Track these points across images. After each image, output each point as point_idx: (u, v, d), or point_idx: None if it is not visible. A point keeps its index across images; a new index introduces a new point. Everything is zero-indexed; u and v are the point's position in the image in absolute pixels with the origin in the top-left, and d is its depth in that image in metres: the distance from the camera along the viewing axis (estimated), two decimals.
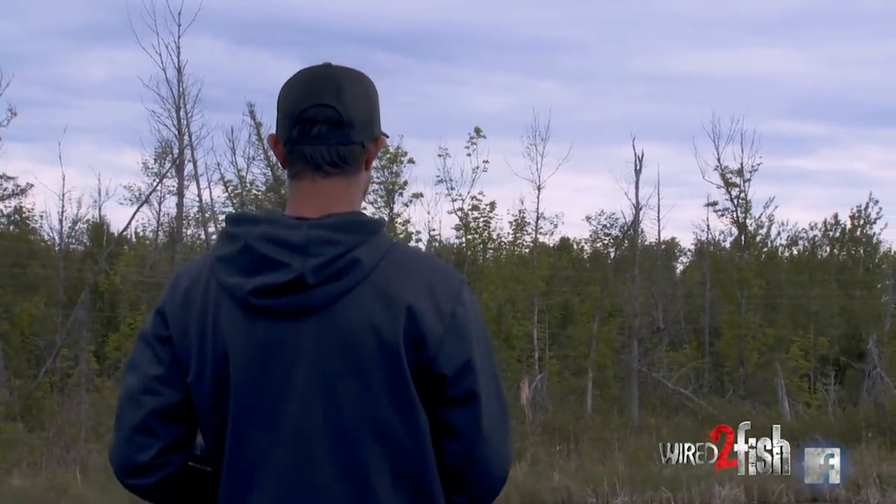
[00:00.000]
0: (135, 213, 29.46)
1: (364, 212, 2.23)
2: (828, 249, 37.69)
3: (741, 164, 29.56)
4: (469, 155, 26.27)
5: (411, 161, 26.48)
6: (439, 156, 26.92)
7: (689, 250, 39.20)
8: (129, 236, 35.16)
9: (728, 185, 29.84)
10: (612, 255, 33.51)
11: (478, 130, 26.23)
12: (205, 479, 2.25)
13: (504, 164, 53.13)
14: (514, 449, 21.13)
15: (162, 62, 25.92)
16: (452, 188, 26.59)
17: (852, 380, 30.53)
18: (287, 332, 2.10)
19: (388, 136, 2.30)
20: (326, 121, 2.16)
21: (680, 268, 40.31)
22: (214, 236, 28.17)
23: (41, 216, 33.57)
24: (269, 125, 26.93)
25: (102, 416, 20.87)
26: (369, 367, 2.09)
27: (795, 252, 37.43)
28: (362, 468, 2.10)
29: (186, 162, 26.71)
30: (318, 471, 2.10)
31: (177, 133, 26.29)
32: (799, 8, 53.37)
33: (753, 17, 52.03)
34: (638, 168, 28.07)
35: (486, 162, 26.40)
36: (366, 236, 2.12)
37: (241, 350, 2.11)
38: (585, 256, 39.80)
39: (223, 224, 2.22)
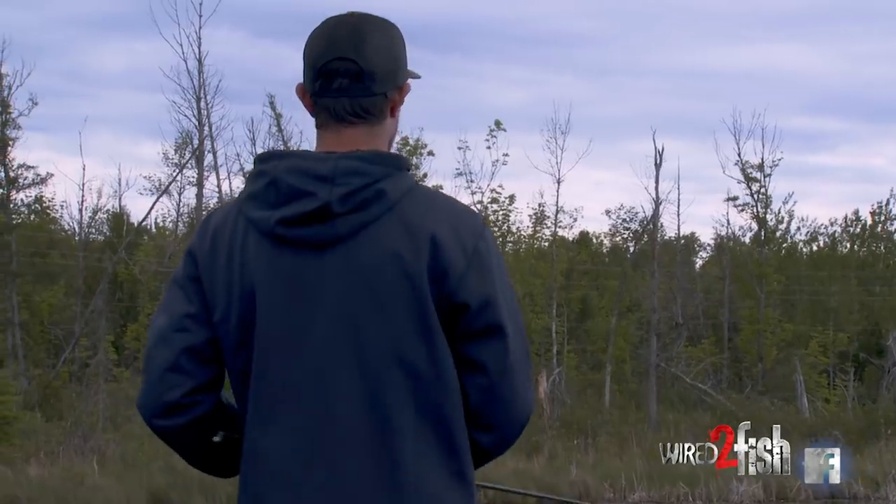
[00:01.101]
0: (154, 203, 29.55)
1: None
2: (848, 245, 37.52)
3: (762, 159, 29.49)
4: (489, 148, 26.29)
5: (431, 153, 26.49)
6: (459, 148, 26.90)
7: (709, 245, 39.06)
8: (149, 227, 35.26)
9: (748, 179, 29.75)
10: (632, 249, 33.42)
11: (498, 123, 26.22)
12: (232, 446, 2.26)
13: (523, 158, 52.84)
14: (532, 442, 21.14)
15: (183, 53, 25.98)
16: (472, 181, 26.62)
17: (871, 376, 30.39)
18: (312, 264, 2.12)
19: (419, 76, 2.29)
20: (346, 74, 2.17)
21: (699, 263, 40.18)
22: None
23: (62, 206, 33.74)
24: (290, 116, 27.02)
25: (120, 407, 20.94)
26: (392, 296, 2.10)
27: (815, 248, 37.29)
28: (383, 400, 2.10)
29: (206, 153, 26.76)
30: (339, 403, 2.11)
31: (197, 124, 26.35)
32: (817, 4, 53.12)
33: (771, 12, 51.80)
34: (658, 162, 27.99)
35: (506, 155, 26.40)
36: (392, 170, 2.13)
37: (267, 283, 2.13)
38: (605, 251, 39.71)
39: (253, 165, 2.22)
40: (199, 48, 25.69)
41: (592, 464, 20.74)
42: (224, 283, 2.16)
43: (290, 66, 49.20)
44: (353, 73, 2.17)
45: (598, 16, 52.62)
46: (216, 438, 2.25)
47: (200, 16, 25.50)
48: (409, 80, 2.26)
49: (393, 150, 2.26)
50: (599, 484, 19.74)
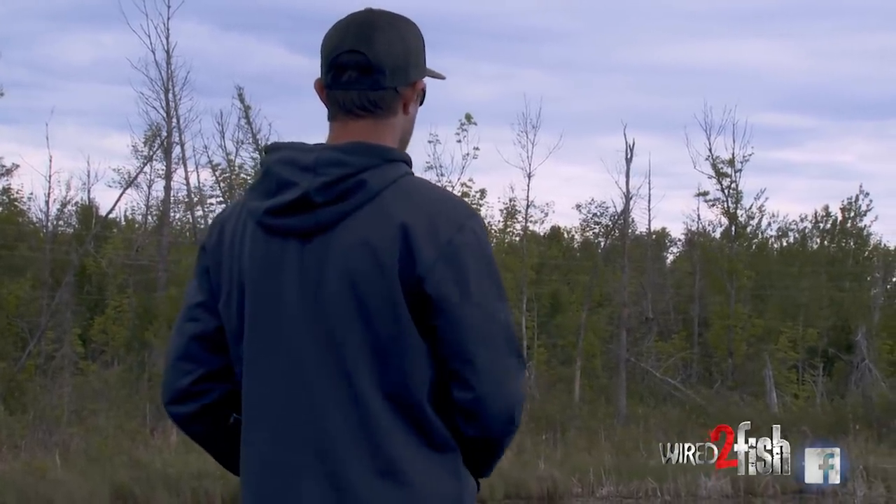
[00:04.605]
0: (121, 195, 29.24)
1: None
2: (818, 241, 37.64)
3: (732, 154, 29.53)
4: (459, 142, 26.17)
5: None
6: (429, 142, 26.73)
7: (680, 240, 39.14)
8: (118, 219, 34.99)
9: (719, 175, 29.78)
10: (602, 244, 33.42)
11: (469, 117, 26.10)
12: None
13: (493, 153, 53.05)
14: None
15: (151, 44, 25.76)
16: (442, 175, 26.47)
17: (840, 372, 30.49)
18: (296, 252, 2.16)
19: (442, 77, 2.33)
20: (356, 67, 2.21)
21: (670, 258, 40.23)
22: (201, 219, 28.04)
23: (29, 198, 33.28)
24: (259, 108, 26.87)
25: (86, 400, 20.74)
26: (363, 285, 2.12)
27: (785, 243, 37.39)
28: (355, 387, 2.13)
29: (175, 145, 26.58)
30: (315, 392, 2.14)
31: (165, 116, 26.16)
32: (786, 1, 53.33)
33: (740, 8, 52.00)
34: (629, 157, 27.98)
35: (477, 149, 26.30)
36: (377, 161, 2.16)
37: (256, 271, 2.19)
38: (576, 245, 39.71)
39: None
40: (167, 39, 25.54)
41: (561, 459, 20.69)
42: (227, 272, 2.24)
43: (258, 58, 49.06)
44: (362, 66, 2.21)
45: (566, 11, 52.65)
46: (232, 420, 2.31)
47: (169, 6, 25.36)
48: (427, 80, 2.29)
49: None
50: (568, 479, 19.69)
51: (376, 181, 2.14)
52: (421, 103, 2.30)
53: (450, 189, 26.69)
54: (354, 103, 2.22)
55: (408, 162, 2.23)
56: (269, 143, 2.23)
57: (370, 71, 2.21)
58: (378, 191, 2.14)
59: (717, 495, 19.69)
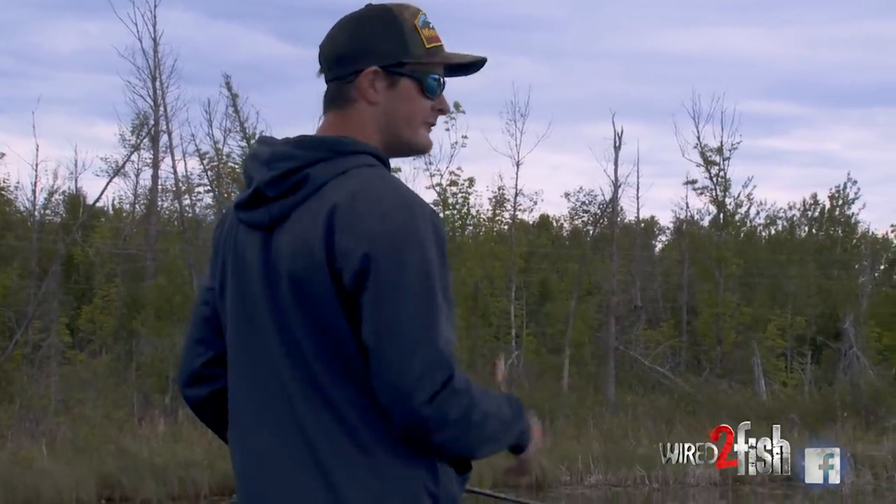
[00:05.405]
0: (107, 184, 29.05)
1: (355, 137, 2.22)
2: (806, 229, 37.67)
3: (721, 142, 29.52)
4: (447, 130, 26.12)
5: None
6: None
7: (668, 229, 39.13)
8: (105, 208, 34.88)
9: (707, 163, 29.78)
10: (591, 232, 33.40)
11: (457, 105, 25.99)
12: None
13: (482, 141, 52.93)
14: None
15: (138, 32, 25.64)
16: (431, 163, 26.44)
17: (828, 360, 30.55)
18: (260, 244, 2.19)
19: (440, 65, 2.30)
20: (323, 62, 2.28)
21: (658, 246, 40.20)
22: (189, 208, 27.97)
23: (16, 187, 33.13)
24: (246, 97, 26.78)
25: (73, 390, 20.68)
26: (302, 278, 2.13)
27: (773, 231, 37.40)
28: (319, 380, 2.13)
29: (162, 133, 26.47)
30: (286, 386, 2.15)
31: (152, 104, 26.06)
32: None
33: None
34: (617, 145, 27.98)
35: (465, 137, 26.26)
36: (327, 154, 2.17)
37: (230, 262, 2.25)
38: (565, 234, 39.68)
39: None
40: (154, 27, 25.43)
41: (549, 447, 20.68)
42: (220, 261, 2.29)
43: (245, 47, 48.89)
44: (322, 61, 2.28)
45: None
46: None
47: None
48: (377, 67, 2.22)
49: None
50: (556, 467, 19.70)
51: (320, 174, 2.15)
52: (425, 91, 2.25)
53: (438, 178, 26.66)
54: (325, 98, 2.28)
55: (375, 154, 2.20)
56: (258, 134, 2.18)
57: (327, 66, 2.26)
58: (321, 183, 2.14)
59: (706, 483, 19.73)
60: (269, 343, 2.17)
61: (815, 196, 37.13)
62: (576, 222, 38.37)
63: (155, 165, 27.40)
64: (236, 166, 26.91)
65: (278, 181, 2.16)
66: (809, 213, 37.31)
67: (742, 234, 34.21)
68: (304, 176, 2.15)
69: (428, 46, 2.28)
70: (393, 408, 2.08)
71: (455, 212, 27.29)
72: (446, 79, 2.32)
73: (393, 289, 2.08)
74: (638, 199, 32.79)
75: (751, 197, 32.40)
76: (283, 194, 2.15)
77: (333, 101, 2.25)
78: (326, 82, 2.28)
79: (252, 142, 2.49)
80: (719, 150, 29.58)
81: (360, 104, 2.23)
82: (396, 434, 2.11)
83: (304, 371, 2.14)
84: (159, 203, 29.83)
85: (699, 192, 30.64)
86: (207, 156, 27.01)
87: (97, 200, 30.09)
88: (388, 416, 2.10)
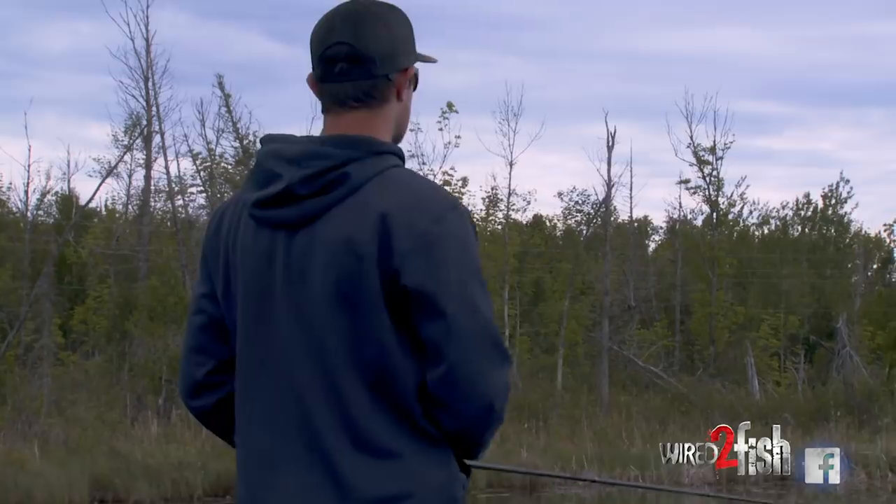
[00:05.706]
0: (100, 185, 29.26)
1: (384, 139, 2.24)
2: (799, 229, 37.70)
3: (714, 142, 29.54)
4: (441, 130, 26.11)
5: None
6: (410, 130, 26.53)
7: (661, 228, 39.15)
8: (98, 209, 34.81)
9: (701, 162, 29.79)
10: (584, 232, 33.39)
11: (450, 105, 26.02)
12: None
13: (475, 141, 52.97)
14: None
15: (130, 32, 25.55)
16: (424, 163, 26.41)
17: (822, 359, 30.57)
18: (282, 243, 2.17)
19: (433, 60, 2.34)
20: (346, 58, 2.22)
21: (652, 246, 40.23)
22: (182, 209, 27.90)
23: (8, 188, 33.09)
24: (239, 97, 26.73)
25: (65, 391, 20.62)
26: (343, 277, 2.12)
27: (767, 231, 37.43)
28: (338, 379, 2.13)
29: (154, 134, 26.41)
30: (301, 384, 2.15)
31: (145, 104, 25.99)
32: None
33: None
34: (610, 144, 27.95)
35: (458, 137, 26.24)
36: (362, 154, 2.16)
37: (246, 261, 2.21)
38: (558, 234, 39.67)
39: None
40: (146, 28, 25.34)
41: (543, 447, 20.68)
42: (223, 262, 2.25)
43: (237, 47, 48.81)
44: (351, 57, 2.21)
45: None
46: None
47: None
48: (419, 65, 2.30)
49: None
50: (550, 467, 19.66)
51: (359, 174, 2.14)
52: (414, 89, 2.31)
53: (432, 178, 26.63)
54: (349, 94, 2.23)
55: (398, 154, 2.22)
56: (264, 134, 2.22)
57: (360, 61, 2.21)
58: (361, 183, 2.14)
59: (700, 482, 19.70)
60: (285, 342, 2.17)
61: (807, 195, 37.21)
62: (569, 222, 38.38)
63: (147, 166, 27.34)
64: (229, 167, 26.85)
65: (312, 179, 2.15)
66: (802, 213, 37.37)
67: (735, 234, 34.24)
68: (343, 175, 2.14)
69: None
70: (465, 408, 2.14)
71: None
72: None
73: (460, 287, 2.14)
74: (631, 198, 32.82)
75: (744, 196, 32.46)
76: (317, 193, 2.15)
77: (369, 97, 2.23)
78: (350, 79, 2.23)
79: (262, 139, 2.36)
80: (712, 150, 29.60)
81: (392, 102, 2.26)
82: (439, 433, 2.17)
83: (321, 370, 2.14)
84: (152, 204, 29.77)
85: (692, 191, 30.69)
86: (200, 156, 26.97)
87: (90, 201, 30.01)
88: (424, 416, 2.15)
